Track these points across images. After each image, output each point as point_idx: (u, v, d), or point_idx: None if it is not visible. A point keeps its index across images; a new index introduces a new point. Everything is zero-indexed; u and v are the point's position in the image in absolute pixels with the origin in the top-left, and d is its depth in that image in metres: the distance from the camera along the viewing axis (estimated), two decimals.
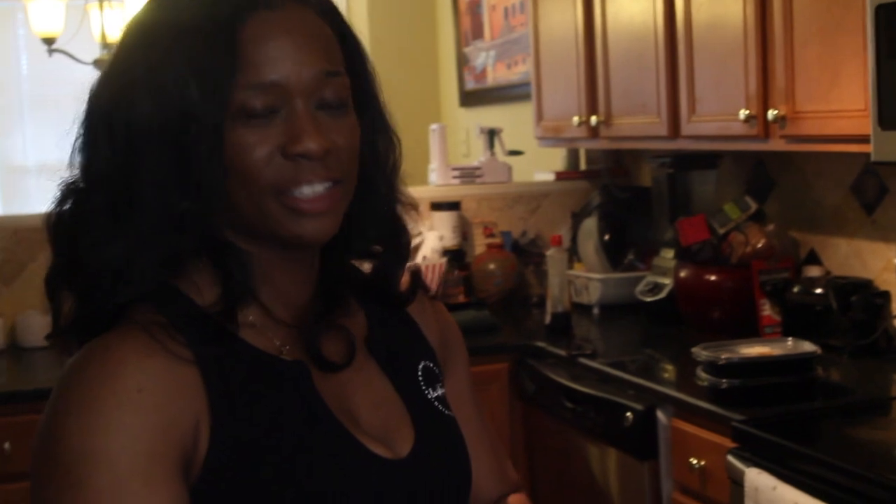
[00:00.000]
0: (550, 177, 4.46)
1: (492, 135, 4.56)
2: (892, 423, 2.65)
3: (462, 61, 5.63)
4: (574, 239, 4.14)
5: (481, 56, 5.42)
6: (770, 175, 3.57)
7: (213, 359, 1.10)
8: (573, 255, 4.09)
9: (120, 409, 1.04)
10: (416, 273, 1.34)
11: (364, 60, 1.23)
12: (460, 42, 5.64)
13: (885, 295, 3.01)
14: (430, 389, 1.26)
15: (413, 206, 1.28)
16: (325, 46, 1.15)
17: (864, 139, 2.53)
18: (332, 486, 1.11)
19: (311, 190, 1.11)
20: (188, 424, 1.07)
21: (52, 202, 1.15)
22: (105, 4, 5.02)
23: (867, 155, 2.53)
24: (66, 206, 1.15)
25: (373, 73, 1.24)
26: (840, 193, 3.30)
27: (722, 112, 3.09)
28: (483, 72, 5.43)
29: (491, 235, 4.26)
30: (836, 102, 2.68)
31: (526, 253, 4.28)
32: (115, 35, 5.10)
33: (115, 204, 1.11)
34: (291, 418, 1.12)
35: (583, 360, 3.21)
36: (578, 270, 4.01)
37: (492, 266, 4.14)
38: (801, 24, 2.77)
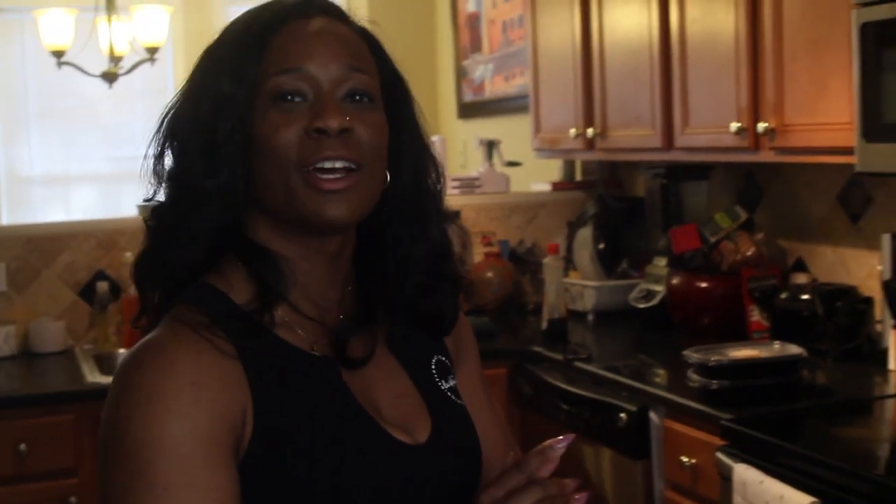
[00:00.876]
0: (547, 187, 4.55)
1: (491, 146, 4.65)
2: (872, 422, 2.75)
3: (460, 74, 5.73)
4: (570, 248, 4.23)
5: (479, 69, 5.52)
6: (760, 185, 3.66)
7: (253, 353, 1.21)
8: (569, 263, 4.18)
9: (178, 400, 1.14)
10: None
11: (404, 88, 1.35)
12: (459, 55, 5.74)
13: (869, 301, 3.10)
14: (442, 381, 1.37)
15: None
16: (354, 51, 1.28)
17: (849, 151, 2.61)
18: (363, 474, 1.21)
19: (330, 165, 1.22)
20: (237, 413, 1.17)
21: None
22: (114, 18, 5.11)
23: (853, 166, 2.62)
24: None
25: (414, 103, 1.36)
26: (827, 203, 3.39)
27: (714, 125, 3.17)
28: (481, 84, 5.53)
29: (489, 244, 4.35)
30: (823, 115, 2.77)
31: (523, 261, 4.38)
32: (123, 48, 5.22)
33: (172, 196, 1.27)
34: (325, 412, 1.23)
35: (578, 364, 3.30)
36: (574, 278, 4.10)
37: (490, 274, 4.23)
38: (791, 40, 2.85)
